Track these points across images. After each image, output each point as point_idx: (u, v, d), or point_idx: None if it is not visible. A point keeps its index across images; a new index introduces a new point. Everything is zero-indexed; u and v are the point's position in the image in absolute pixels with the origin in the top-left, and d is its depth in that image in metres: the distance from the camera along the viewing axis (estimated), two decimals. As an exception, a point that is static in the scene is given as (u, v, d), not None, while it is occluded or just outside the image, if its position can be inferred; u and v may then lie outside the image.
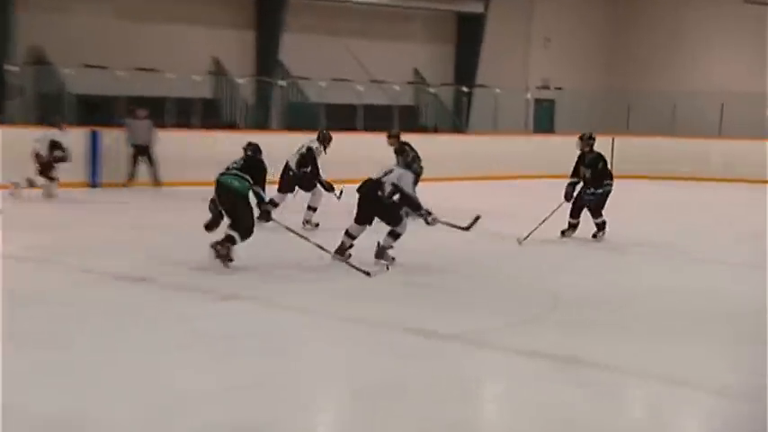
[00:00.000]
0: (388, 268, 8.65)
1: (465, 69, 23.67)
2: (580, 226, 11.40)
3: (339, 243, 8.97)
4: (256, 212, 8.75)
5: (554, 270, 9.44)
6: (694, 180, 20.19)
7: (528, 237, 10.46)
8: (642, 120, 22.96)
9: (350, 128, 18.82)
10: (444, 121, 23.00)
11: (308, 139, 12.16)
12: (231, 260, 8.49)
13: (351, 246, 8.89)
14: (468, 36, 23.30)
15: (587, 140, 11.14)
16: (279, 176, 11.76)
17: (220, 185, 8.54)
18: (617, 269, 9.82)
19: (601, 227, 11.19)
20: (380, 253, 8.89)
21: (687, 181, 20.19)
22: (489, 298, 8.04)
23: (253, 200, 8.66)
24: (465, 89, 22.90)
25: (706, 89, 23.31)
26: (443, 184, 16.57)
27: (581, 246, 10.97)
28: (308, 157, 11.78)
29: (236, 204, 8.47)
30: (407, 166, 8.99)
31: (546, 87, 24.69)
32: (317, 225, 11.48)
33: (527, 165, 19.92)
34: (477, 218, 9.26)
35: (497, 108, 22.36)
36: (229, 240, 8.44)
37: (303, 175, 11.79)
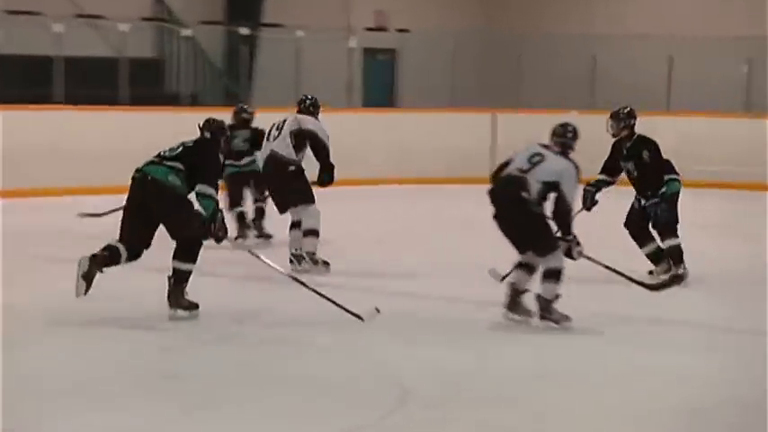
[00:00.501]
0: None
1: None
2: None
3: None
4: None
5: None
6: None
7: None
8: (543, 84, 18.72)
9: (43, 95, 14.57)
10: (210, 85, 17.66)
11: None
12: (195, 306, 6.86)
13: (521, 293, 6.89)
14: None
15: (625, 119, 8.94)
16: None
17: (145, 179, 6.89)
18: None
19: (676, 256, 8.54)
20: (547, 308, 6.73)
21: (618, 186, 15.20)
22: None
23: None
24: (244, 31, 16.99)
25: (645, 30, 18.58)
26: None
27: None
28: None
29: (171, 206, 6.84)
30: (565, 150, 6.97)
31: (382, 29, 19.85)
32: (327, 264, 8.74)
33: (355, 159, 14.80)
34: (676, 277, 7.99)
35: (300, 63, 16.74)
36: (179, 278, 6.86)
37: None
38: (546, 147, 6.98)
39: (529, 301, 6.79)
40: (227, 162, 9.33)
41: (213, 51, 17.30)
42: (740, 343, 6.67)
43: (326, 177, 8.55)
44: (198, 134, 7.12)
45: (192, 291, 6.75)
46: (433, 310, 7.37)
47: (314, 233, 8.40)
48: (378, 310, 6.60)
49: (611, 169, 9.06)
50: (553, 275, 6.78)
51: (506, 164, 6.99)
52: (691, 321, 7.24)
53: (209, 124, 7.22)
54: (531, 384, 5.58)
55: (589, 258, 7.26)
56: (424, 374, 5.63)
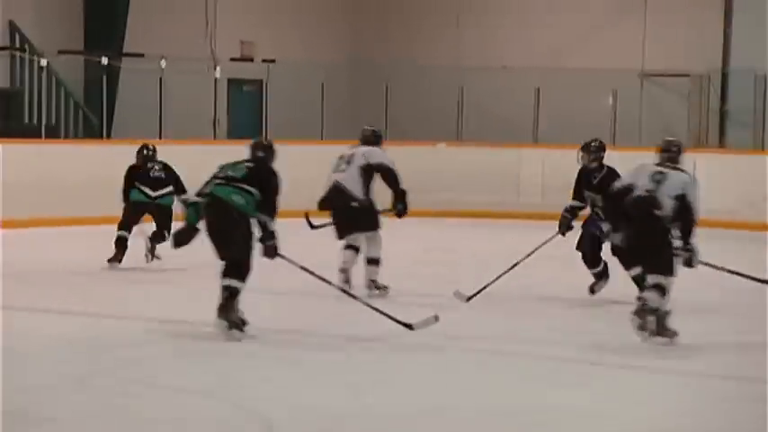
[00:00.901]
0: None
1: (103, 26, 17.24)
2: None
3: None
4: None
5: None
6: (492, 217, 15.81)
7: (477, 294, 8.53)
8: (412, 115, 18.25)
9: None
10: (69, 116, 16.67)
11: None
12: (244, 323, 7.00)
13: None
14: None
15: (596, 151, 9.45)
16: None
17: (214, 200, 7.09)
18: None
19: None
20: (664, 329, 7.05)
21: (482, 218, 15.65)
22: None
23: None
24: (104, 61, 16.16)
25: (513, 62, 18.40)
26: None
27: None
28: None
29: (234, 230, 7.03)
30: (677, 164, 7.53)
31: (247, 59, 19.31)
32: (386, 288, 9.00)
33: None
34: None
35: (163, 94, 16.26)
36: (230, 294, 6.96)
37: None
38: (659, 165, 7.45)
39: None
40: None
41: (72, 82, 16.73)
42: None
43: (401, 206, 8.84)
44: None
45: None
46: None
47: (377, 262, 8.67)
48: (436, 318, 6.97)
49: (581, 196, 9.50)
50: (665, 290, 7.10)
51: (628, 188, 7.34)
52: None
53: (260, 145, 7.52)
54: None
55: (708, 265, 7.58)
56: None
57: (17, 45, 15.83)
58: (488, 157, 15.85)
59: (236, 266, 6.93)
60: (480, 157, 15.84)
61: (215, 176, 7.22)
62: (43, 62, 15.39)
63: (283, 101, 18.00)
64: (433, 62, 19.01)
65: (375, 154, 9.09)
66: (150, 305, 8.50)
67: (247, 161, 7.32)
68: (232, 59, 18.59)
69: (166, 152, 15.61)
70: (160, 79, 16.00)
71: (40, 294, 8.75)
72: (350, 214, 8.92)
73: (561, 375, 6.32)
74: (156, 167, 10.40)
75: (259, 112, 18.40)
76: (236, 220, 7.01)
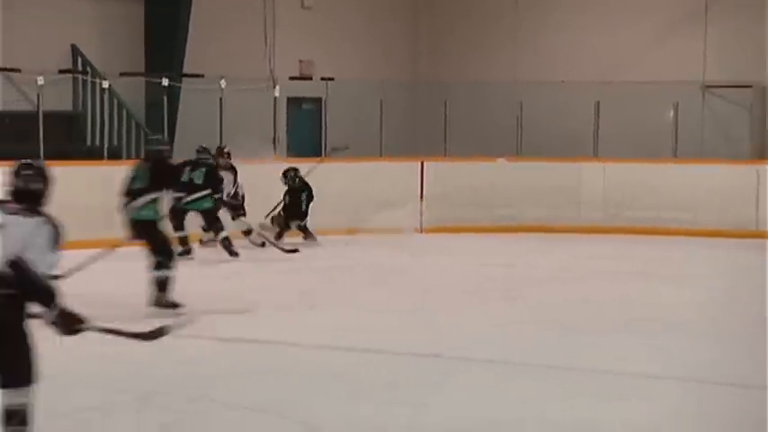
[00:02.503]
0: None
1: (163, 48, 17.09)
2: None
3: None
4: None
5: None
6: (552, 232, 15.38)
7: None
8: (470, 132, 18.09)
9: None
10: (133, 138, 16.46)
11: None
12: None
13: None
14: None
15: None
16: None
17: None
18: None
19: None
20: None
21: (542, 233, 15.28)
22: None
23: None
24: (164, 82, 16.19)
25: (572, 76, 18.20)
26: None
27: None
28: None
29: None
30: None
31: (306, 78, 19.12)
32: None
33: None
34: None
35: (223, 114, 16.27)
36: None
37: None
38: None
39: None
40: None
41: (133, 103, 16.78)
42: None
43: None
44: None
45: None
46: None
47: None
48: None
49: None
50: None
51: None
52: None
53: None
54: None
55: None
56: None
57: (79, 68, 16.02)
58: (549, 172, 15.79)
59: None
60: (540, 172, 15.78)
61: None
62: (105, 84, 15.52)
63: (342, 119, 18.00)
64: (492, 78, 19.01)
65: None
66: (204, 324, 8.47)
67: None
68: (291, 78, 18.46)
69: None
70: (220, 99, 16.09)
71: (95, 314, 8.62)
72: None
73: (619, 389, 6.27)
74: None
75: (318, 129, 18.41)
76: None
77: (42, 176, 4.75)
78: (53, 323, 4.46)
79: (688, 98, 16.99)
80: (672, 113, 16.75)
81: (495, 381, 6.45)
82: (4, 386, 4.43)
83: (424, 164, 16.00)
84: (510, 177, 15.93)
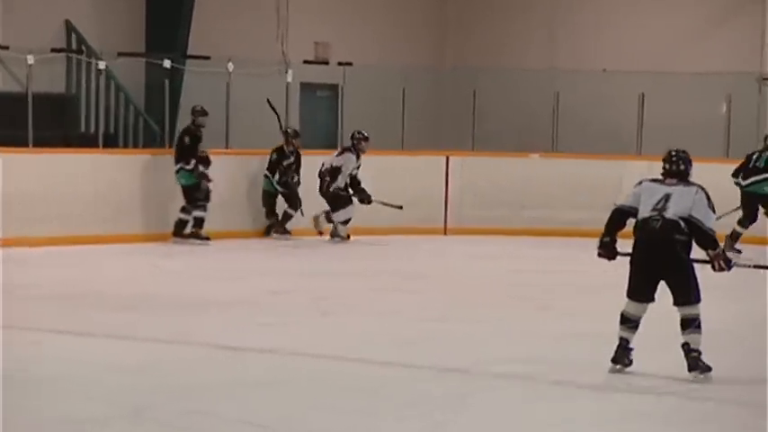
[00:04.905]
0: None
1: (166, 26, 17.52)
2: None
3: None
4: None
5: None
6: (591, 236, 15.07)
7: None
8: (501, 124, 18.52)
9: None
10: (131, 125, 17.09)
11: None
12: None
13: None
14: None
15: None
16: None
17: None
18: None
19: None
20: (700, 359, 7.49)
21: (580, 237, 14.76)
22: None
23: None
24: (166, 64, 16.54)
25: (614, 65, 18.46)
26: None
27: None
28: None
29: None
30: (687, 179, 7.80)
31: (323, 62, 19.54)
32: None
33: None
34: None
35: (230, 99, 16.61)
36: None
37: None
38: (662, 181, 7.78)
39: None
40: None
41: (132, 86, 17.07)
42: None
43: None
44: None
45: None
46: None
47: None
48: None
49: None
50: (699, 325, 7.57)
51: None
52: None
53: None
54: None
55: (741, 266, 8.33)
56: None
57: (73, 47, 16.34)
58: (587, 170, 15.99)
59: None
60: (579, 170, 15.97)
61: None
62: (101, 65, 15.80)
63: (360, 108, 18.14)
64: (525, 65, 19.24)
65: None
66: (206, 329, 8.65)
67: None
68: (305, 62, 18.91)
69: (234, 162, 16.04)
70: (227, 84, 16.27)
71: (87, 318, 8.97)
72: None
73: (658, 412, 6.39)
74: None
75: (334, 119, 18.63)
76: None
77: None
78: (713, 260, 7.41)
79: (743, 91, 17.08)
80: (724, 107, 16.86)
81: (522, 400, 6.56)
82: (683, 303, 7.23)
83: (450, 159, 16.22)
84: (544, 175, 16.27)
